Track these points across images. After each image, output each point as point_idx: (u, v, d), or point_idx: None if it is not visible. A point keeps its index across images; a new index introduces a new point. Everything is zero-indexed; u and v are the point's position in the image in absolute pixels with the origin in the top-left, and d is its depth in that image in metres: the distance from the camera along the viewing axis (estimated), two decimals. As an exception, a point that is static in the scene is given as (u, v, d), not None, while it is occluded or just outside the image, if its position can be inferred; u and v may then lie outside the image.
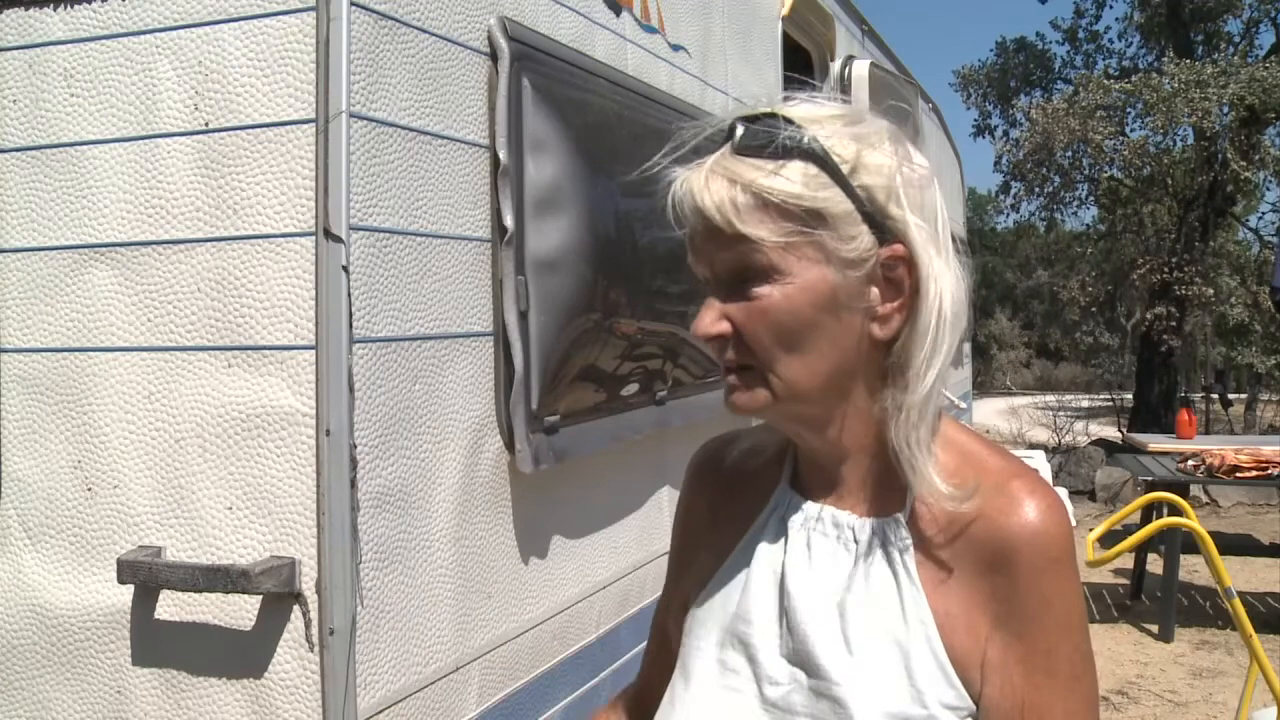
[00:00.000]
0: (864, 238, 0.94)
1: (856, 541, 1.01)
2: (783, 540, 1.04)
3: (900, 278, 0.96)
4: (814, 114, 0.96)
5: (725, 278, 0.96)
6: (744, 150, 0.95)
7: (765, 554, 1.05)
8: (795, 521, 1.04)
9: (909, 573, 0.98)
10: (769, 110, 0.96)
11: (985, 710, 0.96)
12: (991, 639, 0.96)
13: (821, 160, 0.93)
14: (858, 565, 1.00)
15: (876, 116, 0.99)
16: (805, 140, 0.94)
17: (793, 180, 0.93)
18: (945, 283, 0.95)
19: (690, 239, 0.98)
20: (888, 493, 1.01)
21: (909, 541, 0.99)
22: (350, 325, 1.38)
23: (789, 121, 0.95)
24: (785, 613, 1.01)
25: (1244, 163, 12.48)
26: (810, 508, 1.04)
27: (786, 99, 0.98)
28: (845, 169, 0.94)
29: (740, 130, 0.95)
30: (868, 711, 0.94)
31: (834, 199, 0.93)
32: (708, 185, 0.94)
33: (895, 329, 0.97)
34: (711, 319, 0.97)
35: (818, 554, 1.02)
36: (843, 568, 1.00)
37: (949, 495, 0.95)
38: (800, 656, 0.99)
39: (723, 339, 0.97)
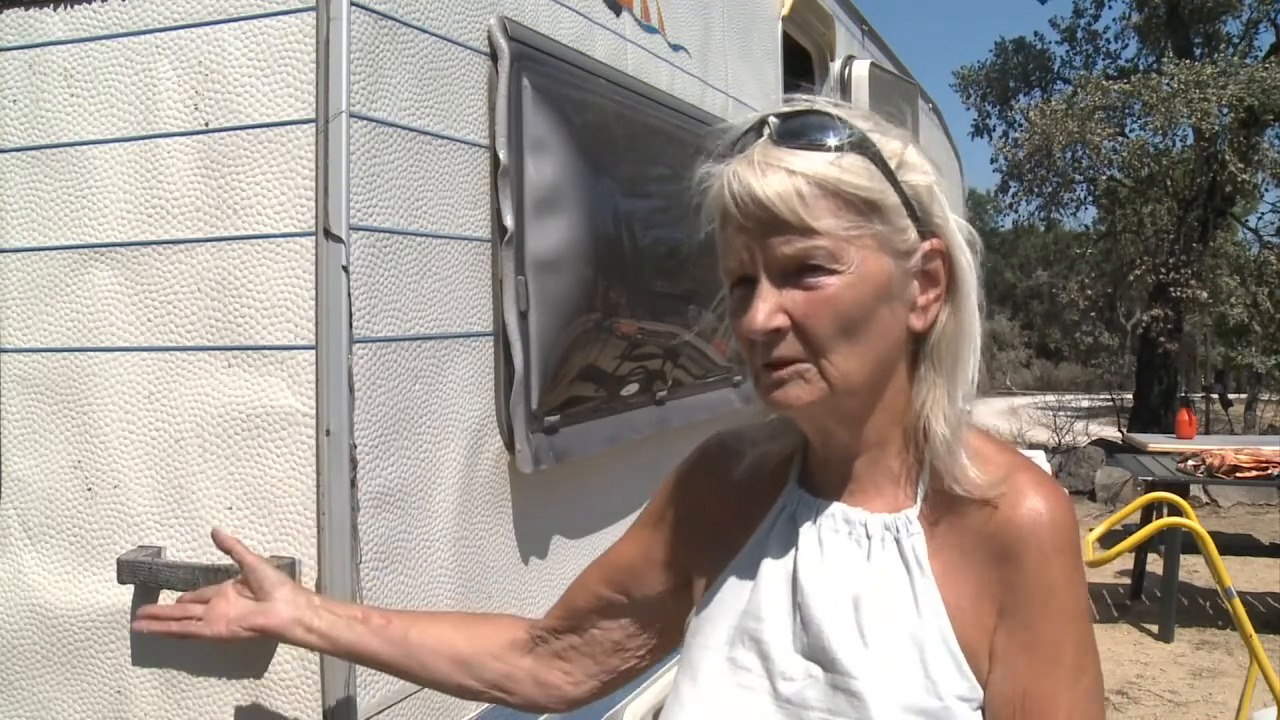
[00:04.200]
0: (911, 230, 0.96)
1: (869, 536, 1.01)
2: (794, 538, 1.04)
3: (936, 270, 0.98)
4: (853, 112, 0.97)
5: (780, 269, 0.94)
6: (793, 143, 0.93)
7: (776, 552, 1.05)
8: (806, 518, 1.05)
9: (921, 566, 0.99)
10: (809, 107, 0.97)
11: (989, 697, 0.96)
12: (998, 627, 0.97)
13: (875, 154, 0.95)
14: (871, 560, 1.01)
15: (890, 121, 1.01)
16: (859, 134, 0.95)
17: (855, 171, 0.93)
18: (975, 275, 0.99)
19: (737, 232, 0.95)
20: (899, 489, 1.03)
21: (921, 536, 1.00)
22: (350, 325, 1.38)
23: (837, 118, 0.95)
24: (799, 608, 1.01)
25: (1241, 165, 12.48)
26: (821, 504, 1.05)
27: (812, 99, 0.98)
28: (893, 164, 0.96)
29: (783, 122, 0.95)
30: (884, 704, 0.94)
31: (889, 191, 0.95)
32: (763, 176, 0.92)
33: (931, 320, 0.99)
34: (768, 311, 0.94)
35: (830, 549, 1.02)
36: (856, 562, 1.01)
37: (981, 482, 0.97)
38: (815, 651, 0.99)
39: (780, 332, 0.94)
